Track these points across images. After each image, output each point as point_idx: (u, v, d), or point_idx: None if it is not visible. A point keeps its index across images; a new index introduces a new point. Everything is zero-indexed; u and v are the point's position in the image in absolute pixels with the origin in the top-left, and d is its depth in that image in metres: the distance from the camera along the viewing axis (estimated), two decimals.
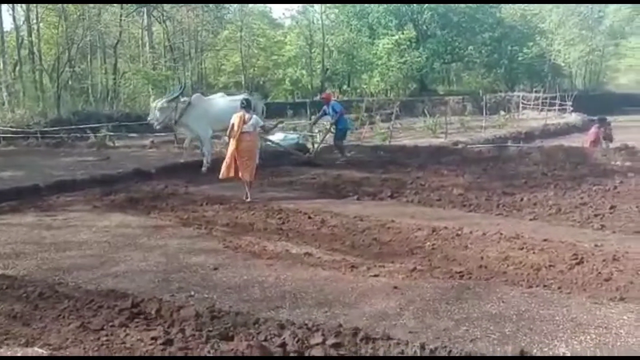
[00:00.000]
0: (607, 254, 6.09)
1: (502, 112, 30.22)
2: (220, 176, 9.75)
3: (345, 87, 42.57)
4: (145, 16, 35.71)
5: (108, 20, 33.61)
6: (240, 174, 9.55)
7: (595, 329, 4.37)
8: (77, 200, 9.78)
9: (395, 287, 5.24)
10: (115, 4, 33.92)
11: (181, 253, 6.50)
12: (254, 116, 9.90)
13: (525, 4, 48.21)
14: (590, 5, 51.84)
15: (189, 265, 6.01)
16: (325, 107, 14.30)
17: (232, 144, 9.52)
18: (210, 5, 40.88)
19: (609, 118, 15.93)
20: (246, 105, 9.76)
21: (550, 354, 3.99)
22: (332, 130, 14.37)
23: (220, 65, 41.38)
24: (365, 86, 41.48)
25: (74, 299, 4.94)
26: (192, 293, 5.16)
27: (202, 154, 12.94)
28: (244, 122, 9.48)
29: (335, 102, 14.55)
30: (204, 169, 12.38)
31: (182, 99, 13.09)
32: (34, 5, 29.12)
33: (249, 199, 9.41)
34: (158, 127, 13.46)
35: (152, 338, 4.08)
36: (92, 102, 31.30)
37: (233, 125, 9.47)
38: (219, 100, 13.76)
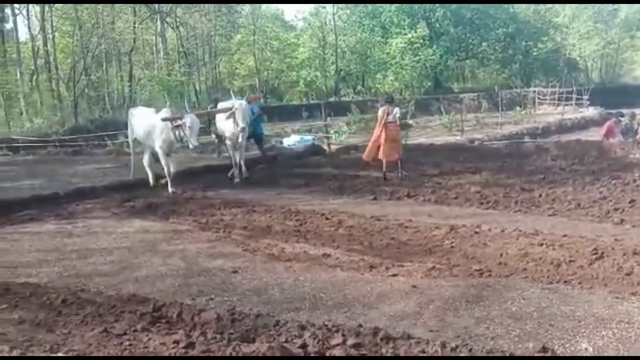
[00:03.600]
0: (627, 248, 6.04)
1: (518, 108, 29.96)
2: (365, 157, 12.01)
3: (359, 87, 42.50)
4: (158, 22, 35.95)
5: (122, 27, 33.91)
6: (385, 156, 11.48)
7: (617, 324, 4.34)
8: (97, 207, 9.87)
9: (415, 287, 5.23)
10: (128, 11, 34.25)
11: (200, 257, 6.55)
12: (396, 109, 11.79)
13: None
14: None
15: (209, 269, 6.06)
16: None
17: (378, 132, 11.68)
18: (223, 9, 41.09)
19: (634, 112, 15.72)
20: (390, 100, 12.21)
21: (572, 350, 3.97)
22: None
23: (234, 69, 41.52)
24: (379, 86, 41.38)
25: (96, 305, 5.00)
26: (212, 296, 5.20)
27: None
28: (388, 114, 11.52)
29: (255, 104, 13.80)
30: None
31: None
32: (49, 14, 29.48)
33: (402, 174, 11.40)
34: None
35: (174, 342, 4.13)
36: (109, 110, 31.57)
37: (380, 117, 11.70)
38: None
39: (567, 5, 48.08)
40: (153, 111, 12.06)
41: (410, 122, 16.06)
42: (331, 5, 42.86)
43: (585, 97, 32.97)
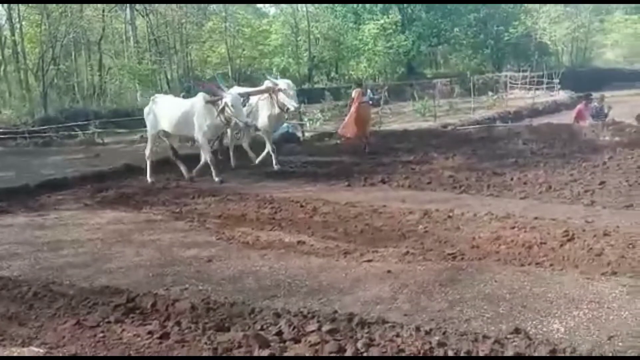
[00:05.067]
0: (597, 229, 6.15)
1: (490, 93, 30.25)
2: (340, 132, 13.49)
3: (333, 74, 42.44)
4: (128, 10, 35.43)
5: (91, 15, 33.35)
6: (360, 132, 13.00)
7: (588, 304, 4.41)
8: (68, 198, 9.74)
9: (389, 272, 5.27)
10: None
11: (174, 247, 6.50)
12: (368, 91, 13.74)
13: None
14: None
15: (183, 259, 6.02)
16: None
17: (353, 110, 13.00)
18: None
19: (602, 94, 15.96)
20: (360, 84, 14.57)
21: (545, 330, 4.03)
22: None
23: (206, 57, 41.09)
24: (352, 72, 41.34)
25: (68, 297, 4.94)
26: (187, 286, 5.17)
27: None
28: (363, 95, 13.35)
29: None
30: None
31: None
32: (16, 4, 28.85)
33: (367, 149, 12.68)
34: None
35: (149, 332, 4.10)
36: (79, 100, 31.16)
37: (354, 97, 13.18)
38: None
39: None
40: (178, 99, 11.72)
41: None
42: None
43: (556, 81, 33.36)
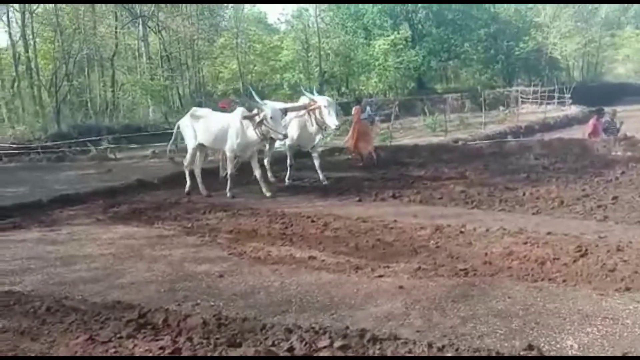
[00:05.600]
0: (610, 244, 6.09)
1: (502, 108, 30.28)
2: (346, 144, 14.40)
3: (343, 89, 42.62)
4: (140, 27, 35.81)
5: (104, 32, 33.82)
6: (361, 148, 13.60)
7: (602, 320, 4.36)
8: (81, 213, 9.78)
9: (401, 287, 5.24)
10: (110, 16, 34.08)
11: (186, 262, 6.51)
12: (367, 107, 14.53)
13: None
14: None
15: (194, 274, 6.02)
16: None
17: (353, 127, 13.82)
18: (205, 12, 41.05)
19: (615, 109, 15.92)
20: (360, 101, 15.58)
21: (558, 347, 3.99)
22: None
23: (218, 72, 41.47)
24: (363, 87, 41.51)
25: (81, 312, 4.94)
26: (198, 301, 5.17)
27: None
28: (362, 112, 14.47)
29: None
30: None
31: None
32: (30, 20, 29.28)
33: (375, 162, 13.18)
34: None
35: (160, 348, 4.09)
36: (92, 115, 31.46)
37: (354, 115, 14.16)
38: None
39: (548, 5, 48.71)
40: (217, 113, 11.41)
41: None
42: (314, 7, 43.00)
43: (567, 95, 33.32)
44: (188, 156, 11.24)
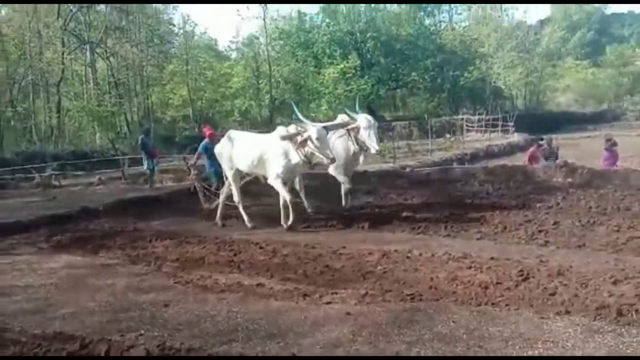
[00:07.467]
0: (551, 269, 6.27)
1: (448, 135, 30.97)
2: None
3: (294, 116, 42.83)
4: (88, 53, 35.31)
5: (50, 58, 33.16)
6: None
7: (542, 343, 4.46)
8: (23, 242, 9.49)
9: (348, 313, 5.25)
10: (57, 42, 33.55)
11: (130, 291, 6.37)
12: None
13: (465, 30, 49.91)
14: (526, 29, 54.00)
15: (138, 303, 5.89)
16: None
17: None
18: (155, 40, 40.83)
19: (551, 136, 16.50)
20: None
21: None
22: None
23: (167, 99, 41.08)
24: (314, 115, 41.81)
25: (20, 345, 4.78)
26: (142, 332, 5.05)
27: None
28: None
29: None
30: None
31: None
32: None
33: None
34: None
35: None
36: (36, 141, 30.66)
37: None
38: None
39: (492, 36, 50.37)
40: (254, 134, 10.83)
41: None
42: (264, 35, 43.31)
43: (511, 123, 34.36)
44: (232, 187, 10.40)
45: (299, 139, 9.07)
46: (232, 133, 10.79)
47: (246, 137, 10.57)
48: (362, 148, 9.93)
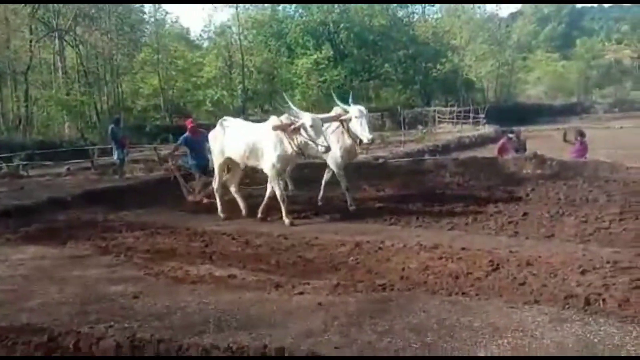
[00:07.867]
0: (521, 259, 6.35)
1: (420, 127, 31.14)
2: None
3: (267, 106, 42.65)
4: (57, 41, 34.62)
5: (18, 46, 32.47)
6: None
7: (512, 332, 4.52)
8: None
9: (320, 304, 5.26)
10: (24, 30, 32.89)
11: (99, 283, 6.28)
12: None
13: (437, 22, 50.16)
14: (498, 22, 54.54)
15: (108, 295, 5.82)
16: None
17: None
18: (125, 28, 40.21)
19: (521, 128, 16.70)
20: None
21: None
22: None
23: (137, 88, 40.55)
24: (286, 105, 41.70)
25: None
26: (112, 323, 4.99)
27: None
28: None
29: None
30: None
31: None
32: None
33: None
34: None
35: None
36: (4, 131, 30.02)
37: None
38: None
39: (464, 28, 50.74)
40: (249, 123, 10.34)
41: None
42: (237, 24, 42.95)
43: (482, 115, 34.69)
44: (215, 176, 10.24)
45: (292, 128, 8.86)
46: (226, 121, 10.45)
47: (243, 125, 10.28)
48: (355, 140, 9.80)
